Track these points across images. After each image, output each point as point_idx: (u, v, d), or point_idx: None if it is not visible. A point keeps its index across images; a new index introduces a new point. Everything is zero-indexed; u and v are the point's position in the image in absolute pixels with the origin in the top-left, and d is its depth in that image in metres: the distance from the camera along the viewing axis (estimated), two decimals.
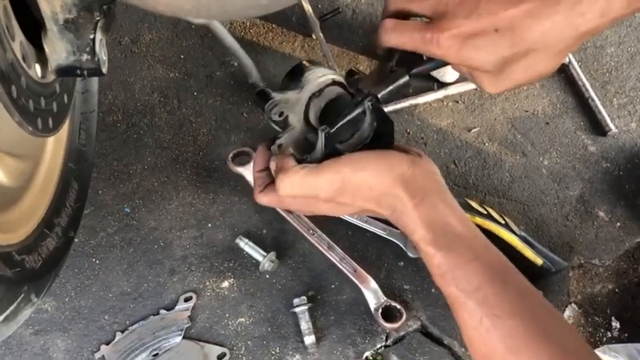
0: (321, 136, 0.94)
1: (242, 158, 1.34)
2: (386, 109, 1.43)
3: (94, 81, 1.25)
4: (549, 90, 1.48)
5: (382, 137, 0.98)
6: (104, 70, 0.86)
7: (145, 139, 1.41)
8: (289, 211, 1.31)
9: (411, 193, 0.91)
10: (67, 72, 0.85)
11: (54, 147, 1.11)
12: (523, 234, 1.28)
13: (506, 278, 0.89)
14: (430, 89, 1.47)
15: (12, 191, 0.98)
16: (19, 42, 0.80)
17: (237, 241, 1.30)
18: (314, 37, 1.51)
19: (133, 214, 1.34)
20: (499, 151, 1.42)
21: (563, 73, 1.51)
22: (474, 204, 1.30)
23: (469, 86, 1.46)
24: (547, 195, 1.38)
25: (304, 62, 0.98)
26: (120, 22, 1.52)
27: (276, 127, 1.02)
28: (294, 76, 0.96)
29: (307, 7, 1.46)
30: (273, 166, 0.97)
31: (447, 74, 1.45)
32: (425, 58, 1.19)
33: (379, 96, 0.99)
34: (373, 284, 1.25)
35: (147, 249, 1.31)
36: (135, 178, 1.37)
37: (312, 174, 0.92)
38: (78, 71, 0.85)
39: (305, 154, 0.97)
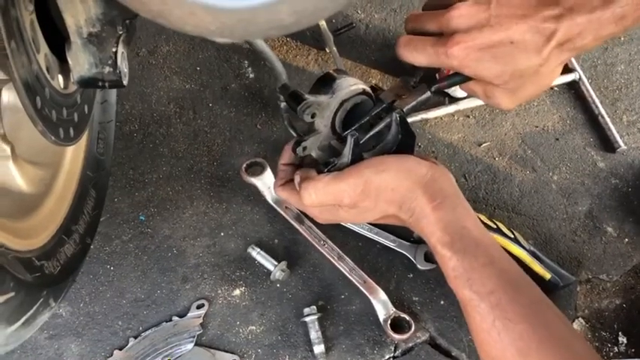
0: (350, 141, 0.97)
1: (255, 169, 1.36)
2: None
3: (113, 92, 1.28)
4: (559, 106, 1.50)
5: (403, 150, 1.01)
6: (125, 82, 0.89)
7: (160, 148, 1.44)
8: (300, 222, 1.33)
9: (429, 195, 0.94)
10: (89, 83, 0.88)
11: (73, 155, 1.14)
12: (532, 248, 1.30)
13: (519, 284, 0.91)
14: (441, 104, 1.49)
15: (32, 198, 1.01)
16: (43, 54, 0.83)
17: (249, 250, 1.32)
18: (327, 50, 1.54)
19: (148, 222, 1.36)
20: (509, 166, 1.44)
21: (574, 89, 1.52)
22: (483, 218, 1.32)
23: (480, 101, 1.48)
24: (556, 210, 1.39)
25: (332, 72, 1.01)
26: (138, 34, 1.55)
27: (294, 133, 1.05)
28: (326, 82, 0.99)
29: (322, 22, 1.48)
30: (297, 178, 1.00)
31: (459, 89, 1.47)
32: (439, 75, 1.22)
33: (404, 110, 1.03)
34: (382, 295, 1.26)
35: (161, 256, 1.33)
36: (150, 186, 1.40)
37: (335, 180, 0.95)
38: (100, 83, 0.88)
39: (328, 159, 1.00)
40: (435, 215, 0.94)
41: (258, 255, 1.31)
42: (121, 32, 0.84)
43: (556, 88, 1.52)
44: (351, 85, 1.00)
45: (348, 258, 1.30)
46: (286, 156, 1.07)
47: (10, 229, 0.87)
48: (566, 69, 1.52)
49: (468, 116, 1.49)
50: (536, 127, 1.48)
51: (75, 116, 0.95)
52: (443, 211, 0.94)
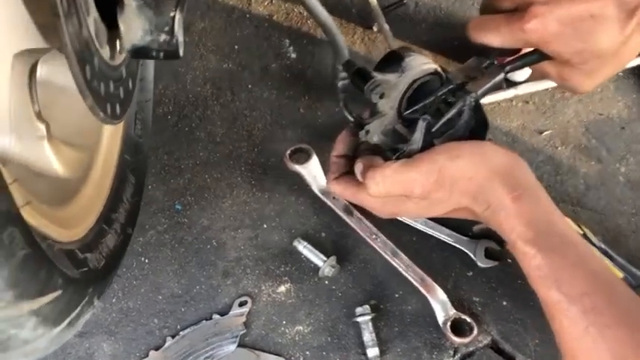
0: (422, 126, 0.86)
1: (300, 156, 1.26)
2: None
3: (150, 68, 1.18)
4: (624, 93, 1.40)
5: (475, 139, 0.90)
6: (181, 52, 0.79)
7: (196, 132, 1.33)
8: (349, 213, 1.23)
9: (509, 186, 0.83)
10: (141, 53, 0.77)
11: (110, 137, 1.04)
12: (602, 245, 1.19)
13: (612, 285, 0.82)
14: (499, 88, 1.38)
15: (70, 184, 0.91)
16: (92, 19, 0.73)
17: (295, 243, 1.22)
18: (375, 29, 1.43)
19: (185, 212, 1.26)
20: (572, 156, 1.33)
21: (638, 75, 1.42)
22: None
23: (540, 86, 1.38)
24: (624, 204, 1.29)
25: (404, 47, 0.92)
26: None
27: (349, 117, 0.95)
28: (393, 60, 0.89)
29: None
30: (359, 167, 0.90)
31: (517, 72, 1.36)
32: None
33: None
34: (441, 295, 1.16)
35: (199, 249, 1.23)
36: (186, 173, 1.30)
37: (406, 167, 0.85)
38: (154, 53, 0.77)
39: (393, 145, 0.89)
40: (516, 208, 0.84)
41: (304, 249, 1.21)
42: None
43: (620, 73, 1.42)
44: (422, 63, 0.90)
45: (402, 253, 1.19)
46: (340, 147, 0.96)
47: (52, 218, 0.77)
48: None
49: (527, 102, 1.39)
50: (601, 114, 1.38)
51: (121, 91, 0.85)
52: (524, 204, 0.84)
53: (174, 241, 1.23)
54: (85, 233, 0.85)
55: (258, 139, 1.33)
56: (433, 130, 0.89)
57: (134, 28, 0.75)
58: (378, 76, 0.88)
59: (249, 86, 1.38)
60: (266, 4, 1.46)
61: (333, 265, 1.19)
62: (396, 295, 1.19)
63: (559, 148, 1.34)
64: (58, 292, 0.67)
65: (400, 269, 1.18)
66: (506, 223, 0.85)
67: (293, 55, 1.41)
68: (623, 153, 1.34)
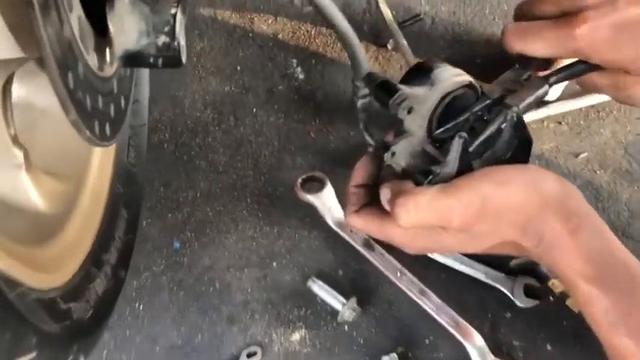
0: (457, 146, 0.73)
1: (312, 185, 1.13)
2: None
3: (145, 90, 1.06)
4: None
5: (517, 160, 0.77)
6: (184, 58, 0.66)
7: (196, 161, 1.20)
8: (370, 248, 1.10)
9: (564, 216, 0.70)
10: (137, 59, 0.65)
11: (100, 165, 0.91)
12: None
13: None
14: (543, 103, 1.26)
15: (52, 219, 0.77)
16: (76, 16, 0.60)
17: (310, 283, 1.08)
18: (389, 47, 1.31)
19: (184, 250, 1.12)
20: (613, 181, 1.20)
21: None
22: None
23: (573, 105, 1.25)
24: None
25: (435, 58, 0.79)
26: None
27: (370, 140, 0.81)
28: (420, 72, 0.76)
29: (387, 11, 1.26)
30: (386, 193, 0.76)
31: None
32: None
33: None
34: (478, 340, 1.02)
35: (200, 292, 1.09)
36: (185, 207, 1.16)
37: (444, 193, 0.71)
38: (152, 59, 0.65)
39: (422, 169, 0.76)
40: (574, 242, 0.70)
41: (320, 290, 1.07)
42: None
43: None
44: (455, 75, 0.77)
45: (432, 293, 1.06)
46: (359, 175, 0.82)
47: (28, 260, 0.63)
48: None
49: (560, 122, 1.26)
50: (638, 134, 1.25)
51: (111, 108, 0.72)
52: (583, 237, 0.71)
53: (172, 283, 1.09)
54: (68, 278, 0.72)
55: (264, 167, 1.20)
56: (470, 149, 0.76)
57: (128, 28, 0.62)
58: (406, 89, 0.76)
59: (254, 110, 1.25)
60: (270, 22, 1.34)
61: (354, 307, 1.05)
62: (427, 341, 1.05)
63: (597, 172, 1.21)
64: (32, 355, 0.53)
65: (430, 311, 1.05)
66: (564, 260, 0.71)
67: (301, 76, 1.29)
68: None
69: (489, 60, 1.32)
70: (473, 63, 1.31)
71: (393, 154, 0.78)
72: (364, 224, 0.80)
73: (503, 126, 0.77)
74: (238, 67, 1.30)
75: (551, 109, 1.25)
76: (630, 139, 1.25)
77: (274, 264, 1.12)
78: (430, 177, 0.76)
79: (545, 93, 0.83)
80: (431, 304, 1.05)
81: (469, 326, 1.03)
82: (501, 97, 0.79)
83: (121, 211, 0.91)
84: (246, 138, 1.23)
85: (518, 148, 0.78)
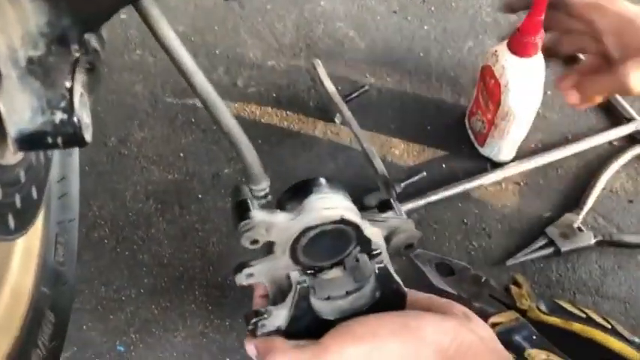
0: (295, 290, 0.67)
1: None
2: (434, 197, 1.17)
3: (75, 182, 0.99)
4: (625, 164, 1.23)
5: (386, 308, 0.69)
6: (87, 136, 0.60)
7: (139, 255, 1.12)
8: None
9: None
10: (34, 141, 0.58)
11: (20, 266, 0.82)
12: (637, 340, 0.99)
13: None
14: (483, 170, 1.21)
15: None
16: None
17: None
18: (337, 121, 1.27)
19: (128, 354, 1.03)
20: None
21: (634, 141, 1.27)
22: (567, 306, 1.02)
23: (530, 164, 1.21)
24: None
25: (322, 179, 0.71)
26: (103, 121, 1.27)
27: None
28: (297, 193, 0.69)
29: (330, 86, 1.23)
30: (252, 350, 0.69)
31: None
32: None
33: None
34: None
35: None
36: (128, 306, 1.07)
37: (307, 356, 0.63)
38: (49, 139, 0.58)
39: (281, 297, 0.69)
40: None
41: None
42: (77, 54, 0.56)
43: (615, 143, 1.26)
44: (326, 207, 0.68)
45: None
46: (262, 286, 0.74)
47: None
48: (622, 118, 1.28)
49: (519, 183, 1.21)
50: (603, 189, 1.20)
51: (17, 199, 0.65)
52: None
53: None
54: None
55: (213, 255, 1.13)
56: (312, 298, 0.69)
57: (19, 106, 0.56)
58: (258, 215, 0.68)
59: (199, 196, 1.19)
60: None
61: None
62: None
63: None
64: None
65: None
66: None
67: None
68: (636, 229, 1.16)
69: (439, 126, 1.29)
70: (423, 130, 1.27)
71: (250, 275, 0.71)
72: (254, 353, 0.71)
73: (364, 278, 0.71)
74: (181, 154, 1.24)
75: (507, 171, 1.21)
76: (595, 194, 1.20)
77: None
78: (256, 321, 0.68)
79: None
80: None
81: None
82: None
83: (46, 314, 0.82)
84: (192, 226, 1.16)
85: (387, 298, 0.70)
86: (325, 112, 1.29)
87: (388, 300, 0.69)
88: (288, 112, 1.30)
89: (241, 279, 0.70)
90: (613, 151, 1.25)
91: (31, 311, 0.79)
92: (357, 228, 0.69)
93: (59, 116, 0.57)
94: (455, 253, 1.14)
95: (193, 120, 1.29)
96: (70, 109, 0.57)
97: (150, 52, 1.37)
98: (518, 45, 1.04)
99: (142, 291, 1.09)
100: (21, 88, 0.56)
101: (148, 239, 1.14)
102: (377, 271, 0.68)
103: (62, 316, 0.87)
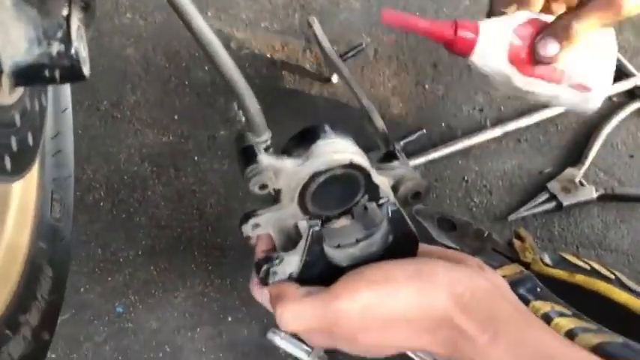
0: (308, 233, 0.65)
1: None
2: (434, 155, 1.15)
3: (69, 139, 0.97)
4: (625, 119, 1.23)
5: (402, 255, 0.68)
6: (86, 70, 0.58)
7: (136, 218, 1.10)
8: None
9: (477, 323, 0.61)
10: (30, 74, 0.56)
11: (17, 221, 0.80)
12: None
13: None
14: (482, 127, 1.20)
15: None
16: None
17: (270, 335, 0.98)
18: (334, 80, 1.25)
19: (128, 315, 1.01)
20: None
21: (635, 97, 1.26)
22: (571, 258, 1.01)
23: (530, 120, 1.20)
24: None
25: (326, 125, 0.70)
26: (95, 86, 1.24)
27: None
28: (304, 140, 0.68)
29: (326, 43, 1.20)
30: (265, 295, 0.69)
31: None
32: None
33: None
34: None
35: (149, 359, 0.97)
36: (126, 267, 1.05)
37: (321, 303, 0.62)
38: (47, 71, 0.56)
39: (290, 246, 0.67)
40: (497, 353, 0.60)
41: (282, 341, 0.97)
42: None
43: (614, 99, 1.25)
44: (334, 151, 0.67)
45: None
46: (266, 238, 0.72)
47: None
48: (622, 74, 1.26)
49: (519, 140, 1.20)
50: (604, 144, 1.19)
51: (13, 142, 0.63)
52: (505, 345, 0.60)
53: (117, 352, 0.98)
54: None
55: (211, 217, 1.11)
56: (324, 243, 0.67)
57: (14, 37, 0.54)
58: (266, 159, 0.66)
59: (196, 158, 1.17)
60: (207, 68, 1.27)
61: (321, 356, 0.95)
62: None
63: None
64: None
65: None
66: None
67: (243, 119, 1.21)
68: (638, 183, 1.16)
69: (437, 85, 1.27)
70: (421, 89, 1.26)
71: (256, 225, 0.69)
72: (267, 302, 0.70)
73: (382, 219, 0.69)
74: (176, 117, 1.22)
75: (507, 127, 1.20)
76: (595, 149, 1.19)
77: (229, 319, 1.01)
78: (267, 266, 0.66)
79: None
80: None
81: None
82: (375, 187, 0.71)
83: (44, 269, 0.80)
84: (189, 188, 1.14)
85: (397, 246, 0.69)
86: (321, 73, 1.27)
87: (400, 246, 0.68)
88: (283, 73, 1.28)
89: (247, 229, 0.69)
90: (613, 107, 1.24)
91: (29, 265, 0.78)
92: (365, 173, 0.68)
93: (56, 47, 0.55)
94: (456, 210, 1.13)
95: (187, 83, 1.26)
96: (67, 40, 0.55)
97: (140, 16, 1.34)
98: None
99: (139, 253, 1.07)
100: (16, 16, 0.54)
101: (144, 202, 1.12)
102: (390, 214, 0.67)
103: (60, 270, 0.85)
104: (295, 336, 0.97)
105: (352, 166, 0.67)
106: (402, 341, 0.64)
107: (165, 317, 1.01)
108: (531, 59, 0.83)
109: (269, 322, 1.00)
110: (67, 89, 0.97)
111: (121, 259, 1.06)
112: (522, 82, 0.85)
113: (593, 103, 0.86)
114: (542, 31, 0.82)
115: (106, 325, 1.00)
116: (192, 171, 1.16)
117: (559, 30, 0.81)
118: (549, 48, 0.82)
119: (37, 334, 0.73)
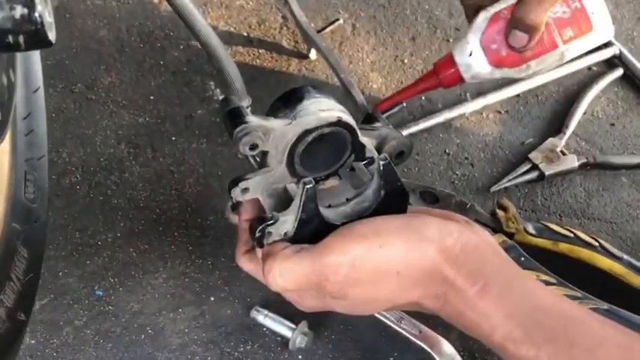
0: (302, 191, 0.63)
1: None
2: (415, 128, 1.14)
3: (42, 120, 0.94)
4: (605, 88, 1.22)
5: (392, 211, 0.66)
6: (51, 36, 0.55)
7: (114, 200, 1.08)
8: None
9: (466, 276, 0.60)
10: None
11: None
12: (626, 257, 0.98)
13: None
14: (463, 100, 1.19)
15: None
16: None
17: (254, 314, 0.96)
18: (312, 57, 1.24)
19: (108, 298, 0.99)
20: None
21: (614, 66, 1.25)
22: (554, 227, 1.00)
23: (510, 92, 1.19)
24: (635, 208, 1.09)
25: (309, 87, 0.68)
26: (68, 68, 1.22)
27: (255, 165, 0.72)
28: (289, 101, 0.66)
29: (303, 17, 1.19)
30: (252, 263, 0.69)
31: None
32: None
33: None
34: (448, 348, 0.91)
35: (131, 341, 0.95)
36: (105, 250, 1.03)
37: (309, 259, 0.61)
38: (10, 37, 0.54)
39: (281, 209, 0.66)
40: (486, 304, 0.59)
41: (266, 319, 0.96)
42: None
43: (594, 68, 1.25)
44: (322, 109, 0.65)
45: None
46: (250, 207, 0.70)
47: None
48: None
49: (500, 112, 1.19)
50: (584, 114, 1.19)
51: None
52: (494, 295, 0.59)
53: (98, 336, 0.96)
54: None
55: (190, 196, 1.09)
56: (318, 200, 0.66)
57: None
58: (254, 120, 0.64)
59: (173, 138, 1.15)
60: (182, 47, 1.25)
61: (305, 332, 0.94)
62: (391, 359, 0.94)
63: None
64: None
65: (390, 324, 0.93)
66: (481, 325, 0.60)
67: (221, 97, 1.19)
68: (619, 151, 1.15)
69: (416, 59, 1.26)
70: (400, 64, 1.25)
71: (245, 189, 0.67)
72: (254, 269, 0.69)
73: (370, 176, 0.68)
74: (152, 97, 1.20)
75: (488, 99, 1.19)
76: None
77: (212, 299, 1.00)
78: (263, 225, 0.65)
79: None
80: (390, 316, 0.94)
81: (435, 334, 0.92)
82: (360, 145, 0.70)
83: (18, 249, 0.78)
84: (167, 169, 1.12)
85: (388, 201, 0.68)
86: (298, 49, 1.25)
87: (392, 201, 0.67)
88: (260, 51, 1.26)
89: (237, 193, 0.67)
90: (592, 76, 1.24)
91: (2, 246, 0.75)
92: (353, 131, 0.67)
93: (19, 11, 0.53)
94: (439, 183, 1.12)
95: (162, 63, 1.24)
96: (30, 4, 0.53)
97: None
98: None
99: (118, 235, 1.05)
100: None
101: (121, 183, 1.10)
102: (382, 167, 0.65)
103: (36, 250, 0.82)
104: (280, 314, 0.96)
105: (340, 123, 0.65)
106: (392, 295, 0.62)
107: (147, 299, 0.99)
108: (515, 51, 0.85)
109: (252, 301, 0.99)
110: (38, 68, 0.95)
111: (100, 242, 1.04)
112: (521, 71, 0.89)
113: (605, 35, 0.88)
114: (507, 26, 0.85)
115: (86, 309, 0.98)
116: (169, 151, 1.14)
117: (519, 24, 0.84)
118: (521, 39, 0.85)
119: (12, 315, 0.71)
